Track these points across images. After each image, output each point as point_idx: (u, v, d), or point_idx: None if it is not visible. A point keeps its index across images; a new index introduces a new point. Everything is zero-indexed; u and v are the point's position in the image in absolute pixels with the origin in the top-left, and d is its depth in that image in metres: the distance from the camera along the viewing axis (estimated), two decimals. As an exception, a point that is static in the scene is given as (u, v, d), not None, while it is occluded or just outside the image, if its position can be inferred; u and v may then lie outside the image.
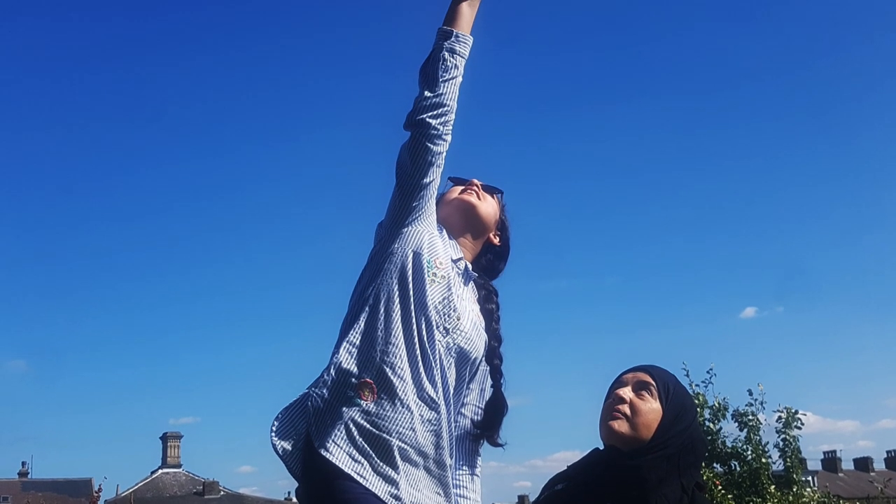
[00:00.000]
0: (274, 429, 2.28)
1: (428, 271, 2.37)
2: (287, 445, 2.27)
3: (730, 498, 10.65)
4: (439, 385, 2.32)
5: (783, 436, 11.53)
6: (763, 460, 11.26)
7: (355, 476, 2.18)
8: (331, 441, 2.22)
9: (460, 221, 2.60)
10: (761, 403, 11.52)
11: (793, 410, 11.68)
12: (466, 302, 2.47)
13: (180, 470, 44.67)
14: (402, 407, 2.26)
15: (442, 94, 2.38)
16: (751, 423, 11.41)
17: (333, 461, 2.19)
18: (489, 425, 2.54)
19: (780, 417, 11.55)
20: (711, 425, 11.38)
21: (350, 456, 2.20)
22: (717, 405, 11.38)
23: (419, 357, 2.30)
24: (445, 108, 2.38)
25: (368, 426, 2.23)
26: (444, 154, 2.41)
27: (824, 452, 56.31)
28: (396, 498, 2.20)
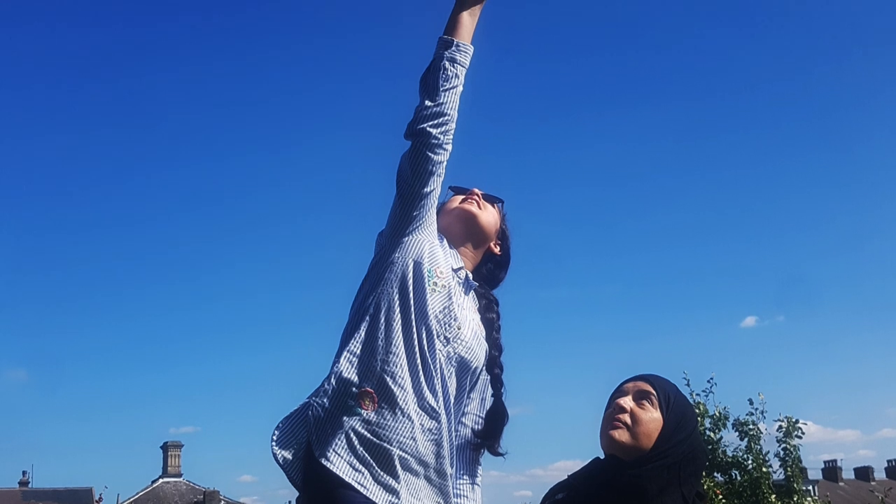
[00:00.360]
0: (275, 438, 2.28)
1: (428, 280, 2.37)
2: (288, 455, 2.27)
3: (731, 507, 10.64)
4: (440, 394, 2.32)
5: (784, 445, 11.54)
6: (764, 469, 11.26)
7: (356, 485, 2.18)
8: (331, 450, 2.22)
9: (461, 231, 2.60)
10: (762, 413, 11.55)
11: (793, 420, 11.69)
12: (467, 311, 2.47)
13: (181, 479, 44.53)
14: (403, 416, 2.26)
15: (442, 103, 2.38)
16: (751, 433, 11.42)
17: (334, 470, 2.19)
18: (490, 434, 2.54)
19: (780, 427, 11.56)
20: (712, 434, 11.38)
21: (351, 465, 2.21)
22: (717, 414, 11.39)
23: (420, 366, 2.30)
24: (446, 118, 2.38)
25: (369, 435, 2.23)
26: (445, 163, 2.41)
27: (825, 462, 56.18)
28: (397, 507, 2.20)
